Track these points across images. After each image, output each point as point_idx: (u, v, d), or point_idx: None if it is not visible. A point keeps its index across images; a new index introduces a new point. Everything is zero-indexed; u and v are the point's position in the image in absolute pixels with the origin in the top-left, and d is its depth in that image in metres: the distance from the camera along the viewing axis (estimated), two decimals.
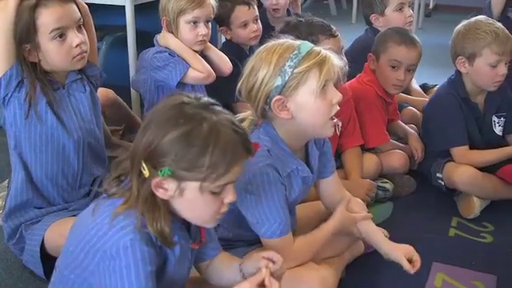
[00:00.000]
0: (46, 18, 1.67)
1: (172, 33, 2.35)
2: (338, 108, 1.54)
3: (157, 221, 1.21)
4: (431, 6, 6.35)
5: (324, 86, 1.49)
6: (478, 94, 2.33)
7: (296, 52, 1.49)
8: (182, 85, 2.34)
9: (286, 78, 1.48)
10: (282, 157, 1.56)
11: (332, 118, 1.54)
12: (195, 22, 2.32)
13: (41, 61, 1.71)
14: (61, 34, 1.69)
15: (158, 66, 2.33)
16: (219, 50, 2.97)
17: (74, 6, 1.74)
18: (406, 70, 2.34)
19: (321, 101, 1.50)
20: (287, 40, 1.54)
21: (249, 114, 1.60)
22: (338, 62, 1.52)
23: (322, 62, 1.49)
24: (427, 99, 2.70)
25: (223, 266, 1.47)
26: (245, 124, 1.56)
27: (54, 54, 1.70)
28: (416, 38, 2.40)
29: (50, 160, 1.79)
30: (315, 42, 2.12)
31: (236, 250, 1.65)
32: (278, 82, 1.48)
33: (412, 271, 1.65)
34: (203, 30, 2.33)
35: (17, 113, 1.73)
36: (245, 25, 2.69)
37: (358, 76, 2.44)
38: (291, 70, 1.47)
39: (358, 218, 1.74)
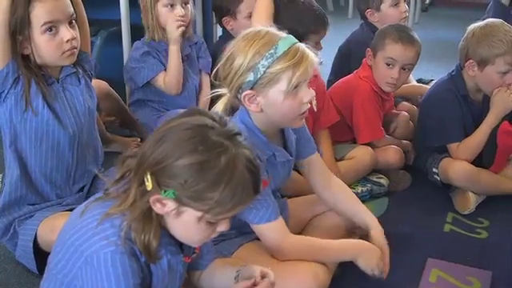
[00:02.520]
0: (39, 11, 1.66)
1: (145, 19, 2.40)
2: (309, 106, 1.55)
3: (146, 233, 1.18)
4: (428, 1, 6.32)
5: (296, 86, 1.50)
6: (477, 92, 2.32)
7: (272, 51, 1.47)
8: None
9: (258, 76, 1.48)
10: (258, 144, 1.55)
11: (302, 114, 1.55)
12: (172, 5, 2.36)
13: (33, 54, 1.70)
14: (52, 28, 1.68)
15: (132, 60, 2.42)
16: (215, 43, 2.98)
17: (67, 1, 1.73)
18: (402, 69, 2.33)
19: (291, 100, 1.51)
20: (269, 31, 1.52)
21: (226, 91, 1.58)
22: (315, 61, 1.52)
23: (296, 65, 1.48)
24: (422, 86, 2.69)
25: (217, 273, 1.45)
26: (222, 101, 1.56)
27: (44, 47, 1.69)
28: (415, 36, 2.37)
29: (45, 155, 1.78)
30: (315, 33, 2.20)
31: (228, 242, 1.65)
32: (250, 77, 1.49)
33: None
34: (180, 11, 2.36)
35: (13, 109, 1.71)
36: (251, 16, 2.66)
37: (355, 71, 2.44)
38: (264, 69, 1.47)
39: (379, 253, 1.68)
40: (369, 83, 2.34)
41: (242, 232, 1.68)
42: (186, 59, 2.46)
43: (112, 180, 1.26)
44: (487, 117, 2.24)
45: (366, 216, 1.78)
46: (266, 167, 1.57)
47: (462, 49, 2.29)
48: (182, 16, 2.37)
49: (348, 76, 2.46)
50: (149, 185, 1.16)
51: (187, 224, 1.20)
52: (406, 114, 2.60)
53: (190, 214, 1.18)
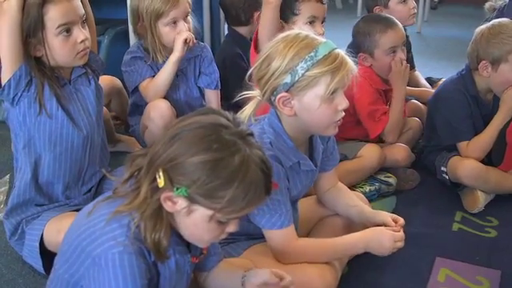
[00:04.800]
0: (54, 14, 1.66)
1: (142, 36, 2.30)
2: (343, 114, 1.53)
3: (157, 231, 1.18)
4: None
5: (333, 92, 1.48)
6: (488, 92, 2.30)
7: (312, 54, 1.46)
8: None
9: (296, 79, 1.47)
10: (284, 150, 1.55)
11: (336, 122, 1.54)
12: (174, 22, 2.26)
13: (46, 56, 1.70)
14: (67, 30, 1.69)
15: (123, 64, 2.35)
16: (222, 44, 2.96)
17: (79, 2, 1.74)
18: (401, 49, 2.34)
19: (326, 106, 1.49)
20: (308, 34, 1.51)
21: (257, 94, 1.56)
22: (353, 69, 1.50)
23: (335, 70, 1.46)
24: (432, 91, 2.67)
25: (223, 275, 1.45)
26: (252, 104, 1.55)
27: (59, 49, 1.69)
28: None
29: (59, 158, 1.78)
30: (303, 2, 2.16)
31: (237, 244, 1.65)
32: (288, 79, 1.47)
33: (397, 229, 1.66)
34: (183, 26, 2.26)
35: (26, 112, 1.72)
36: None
37: None
38: (303, 71, 1.46)
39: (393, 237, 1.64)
40: (366, 81, 2.31)
41: (250, 237, 1.67)
42: (179, 74, 2.34)
43: (121, 179, 1.25)
44: (496, 115, 2.23)
45: (373, 214, 1.76)
46: (288, 174, 1.57)
47: (471, 52, 2.27)
48: (187, 31, 2.27)
49: None
50: (161, 181, 1.16)
51: (197, 223, 1.20)
52: (418, 120, 2.59)
53: (201, 213, 1.18)
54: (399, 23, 2.37)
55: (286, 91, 1.49)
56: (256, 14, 2.58)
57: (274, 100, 1.51)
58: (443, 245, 2.01)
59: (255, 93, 1.56)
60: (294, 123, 1.55)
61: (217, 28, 3.29)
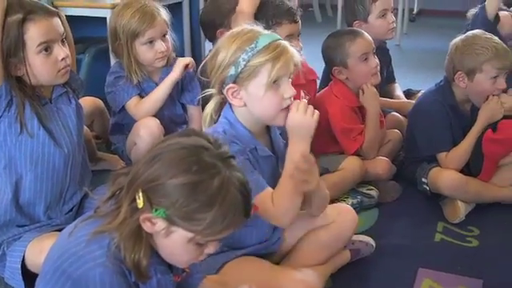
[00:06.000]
0: (34, 32, 1.66)
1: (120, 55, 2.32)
2: (291, 102, 1.58)
3: (136, 252, 1.17)
4: (415, 11, 6.37)
5: (276, 80, 1.54)
6: (466, 102, 2.34)
7: (253, 45, 1.54)
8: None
9: (239, 70, 1.54)
10: (239, 137, 1.60)
11: (285, 110, 1.58)
12: (151, 42, 2.28)
13: (27, 74, 1.70)
14: (47, 48, 1.69)
15: (107, 85, 2.35)
16: (206, 57, 2.98)
17: (59, 20, 1.75)
18: (373, 56, 2.38)
19: (272, 94, 1.56)
20: (252, 29, 1.60)
21: (215, 91, 1.65)
22: (296, 57, 1.57)
23: (275, 58, 1.53)
24: (412, 102, 2.71)
25: None
26: (212, 101, 1.65)
27: (40, 67, 1.69)
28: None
29: (40, 177, 1.78)
30: (277, 25, 2.28)
31: (219, 256, 1.65)
32: (232, 71, 1.55)
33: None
34: (161, 46, 2.28)
35: (7, 132, 1.71)
36: None
37: (329, 85, 2.46)
38: (244, 62, 1.54)
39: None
40: (340, 100, 2.36)
41: (231, 247, 1.69)
42: None
43: (103, 198, 1.25)
44: (474, 125, 2.27)
45: None
46: (252, 158, 1.60)
47: (447, 63, 2.32)
48: (164, 51, 2.29)
49: (323, 91, 2.49)
50: (140, 202, 1.16)
51: (176, 244, 1.20)
52: (399, 132, 2.63)
53: (180, 235, 1.18)
54: (365, 32, 2.42)
55: (233, 82, 1.56)
56: (218, 32, 2.62)
57: (224, 92, 1.59)
58: (426, 255, 2.02)
59: (213, 90, 1.64)
60: (246, 113, 1.61)
61: (197, 45, 3.31)
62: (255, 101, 1.57)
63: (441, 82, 2.39)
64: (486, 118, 2.24)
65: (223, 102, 1.66)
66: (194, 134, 1.23)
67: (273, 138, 1.71)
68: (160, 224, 1.17)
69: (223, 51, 1.56)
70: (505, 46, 2.27)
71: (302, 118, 1.56)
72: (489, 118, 2.24)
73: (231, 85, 1.57)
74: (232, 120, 1.61)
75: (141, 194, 1.16)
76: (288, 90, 1.56)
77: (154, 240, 1.22)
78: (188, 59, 2.31)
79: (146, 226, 1.18)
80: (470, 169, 2.30)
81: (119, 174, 1.24)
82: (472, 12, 3.05)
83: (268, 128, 1.70)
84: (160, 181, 1.15)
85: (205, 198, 1.14)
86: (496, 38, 2.28)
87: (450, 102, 2.32)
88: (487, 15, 2.88)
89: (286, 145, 1.65)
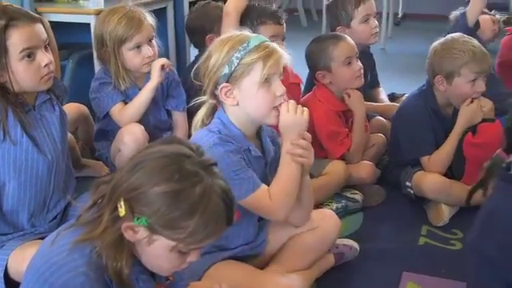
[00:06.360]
0: (17, 39, 1.65)
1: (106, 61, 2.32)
2: (283, 100, 1.62)
3: (118, 260, 1.17)
4: (400, 15, 6.42)
5: (268, 78, 1.59)
6: (448, 106, 2.36)
7: (245, 45, 1.59)
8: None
9: (233, 68, 1.59)
10: (233, 137, 1.64)
11: (276, 108, 1.62)
12: (138, 47, 2.28)
13: (10, 81, 1.69)
14: (30, 54, 1.68)
15: (92, 91, 2.35)
16: (191, 63, 2.99)
17: (42, 26, 1.74)
18: (356, 60, 2.40)
19: (263, 92, 1.60)
20: (243, 32, 1.66)
21: (207, 98, 1.69)
22: (285, 56, 1.63)
23: (267, 57, 1.59)
24: (396, 105, 2.72)
25: None
26: (204, 107, 1.70)
27: (23, 73, 1.68)
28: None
29: (23, 185, 1.76)
30: (262, 24, 2.34)
31: (206, 257, 1.66)
32: (226, 70, 1.60)
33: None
34: (148, 51, 2.29)
35: None
36: None
37: (313, 89, 2.47)
38: (238, 60, 1.59)
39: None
40: (323, 104, 2.37)
41: (218, 248, 1.70)
42: None
43: (85, 206, 1.25)
44: (454, 128, 2.29)
45: None
46: (246, 157, 1.64)
47: (428, 67, 2.35)
48: (151, 56, 2.29)
49: (307, 96, 2.50)
50: (122, 211, 1.16)
51: (158, 252, 1.19)
52: (383, 135, 2.65)
53: (162, 243, 1.17)
54: (348, 37, 2.45)
55: (227, 82, 1.61)
56: (208, 38, 2.63)
57: (218, 92, 1.63)
58: (410, 259, 2.04)
59: (205, 97, 1.69)
60: (239, 113, 1.65)
61: (182, 51, 3.31)
62: (248, 99, 1.61)
63: (423, 86, 2.41)
64: (465, 121, 2.26)
65: (215, 107, 1.70)
66: (177, 141, 1.23)
67: (263, 142, 1.74)
68: (142, 232, 1.17)
69: (216, 54, 1.62)
70: (483, 49, 2.29)
71: (294, 117, 1.62)
72: (468, 120, 2.26)
73: (224, 84, 1.61)
74: (225, 121, 1.65)
75: (123, 203, 1.15)
76: (279, 88, 1.61)
77: (137, 248, 1.21)
78: (162, 60, 2.30)
79: (128, 235, 1.17)
80: (453, 172, 2.32)
81: (101, 182, 1.24)
82: (454, 14, 3.07)
83: (259, 132, 1.73)
84: (142, 189, 1.14)
85: (187, 207, 1.13)
86: (474, 41, 2.30)
87: (432, 106, 2.34)
88: (468, 22, 2.91)
89: (278, 147, 1.70)
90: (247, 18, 2.41)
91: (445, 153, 2.29)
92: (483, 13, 3.14)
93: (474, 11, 2.91)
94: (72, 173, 1.98)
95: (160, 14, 3.09)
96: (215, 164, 1.22)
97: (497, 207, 1.50)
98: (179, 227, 1.14)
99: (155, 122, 2.43)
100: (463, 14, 2.96)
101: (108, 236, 1.17)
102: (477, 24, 2.96)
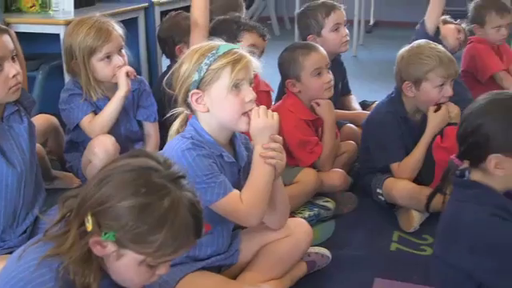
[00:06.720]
0: None
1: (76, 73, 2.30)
2: (253, 106, 1.64)
3: (85, 276, 1.16)
4: (372, 23, 6.49)
5: (236, 83, 1.61)
6: (416, 112, 2.40)
7: (214, 51, 1.63)
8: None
9: (202, 74, 1.62)
10: (205, 143, 1.65)
11: (246, 114, 1.64)
12: (108, 57, 2.27)
13: None
14: None
15: (61, 102, 2.33)
16: (163, 73, 2.98)
17: (9, 37, 1.73)
18: (327, 71, 2.41)
19: (233, 97, 1.62)
20: (212, 42, 1.70)
21: (182, 109, 1.72)
22: (254, 62, 1.65)
23: (235, 62, 1.61)
24: (366, 113, 2.75)
25: None
26: (179, 119, 1.72)
27: None
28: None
29: None
30: (248, 31, 2.39)
31: (179, 268, 1.66)
32: (196, 77, 1.63)
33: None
34: (119, 61, 2.28)
35: None
36: None
37: (283, 98, 2.49)
38: (207, 66, 1.62)
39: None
40: (293, 114, 2.38)
41: (191, 259, 1.70)
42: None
43: (52, 221, 1.24)
44: (423, 135, 2.32)
45: None
46: (219, 163, 1.65)
47: (396, 74, 2.39)
48: (121, 65, 2.28)
49: (277, 104, 2.52)
50: (89, 226, 1.15)
51: (127, 267, 1.19)
52: (354, 143, 2.67)
53: (131, 257, 1.17)
54: (320, 47, 2.46)
55: (197, 88, 1.63)
56: (177, 48, 2.65)
57: (189, 100, 1.65)
58: (381, 265, 2.05)
59: (180, 109, 1.71)
60: (210, 120, 1.67)
61: (154, 61, 3.30)
62: (218, 104, 1.63)
63: (392, 93, 2.44)
64: (434, 128, 2.30)
65: (189, 117, 1.71)
66: (144, 154, 1.23)
67: (237, 149, 1.75)
68: (110, 247, 1.16)
69: (187, 62, 1.65)
70: (449, 54, 2.34)
71: (265, 121, 1.63)
72: (437, 124, 2.30)
73: (195, 90, 1.63)
74: (198, 128, 1.67)
75: (90, 218, 1.15)
76: (249, 93, 1.63)
77: (105, 263, 1.20)
78: (125, 68, 2.28)
79: (96, 250, 1.17)
80: (423, 178, 2.34)
81: (68, 196, 1.23)
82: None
83: (232, 139, 1.74)
84: (109, 204, 1.14)
85: (155, 220, 1.13)
86: (440, 47, 2.35)
87: (401, 113, 2.38)
88: (427, 30, 2.95)
89: (251, 153, 1.70)
90: (234, 23, 2.43)
91: (414, 159, 2.32)
92: (449, 22, 3.20)
93: (431, 18, 2.96)
94: (42, 185, 1.96)
95: (131, 24, 3.09)
96: (183, 176, 1.22)
97: (455, 214, 1.53)
98: (147, 241, 1.14)
99: (126, 133, 2.42)
100: (422, 22, 3.01)
101: (76, 251, 1.16)
102: (437, 31, 3.01)
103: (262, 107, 1.65)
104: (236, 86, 1.61)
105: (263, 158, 1.64)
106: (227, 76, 1.61)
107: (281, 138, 1.68)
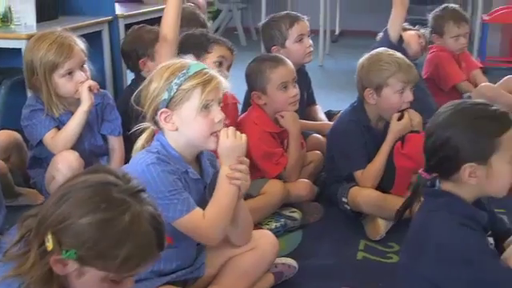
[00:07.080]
0: None
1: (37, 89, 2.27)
2: (221, 127, 1.65)
3: None
4: (337, 32, 6.55)
5: (206, 104, 1.62)
6: (379, 121, 2.43)
7: (184, 71, 1.63)
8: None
9: (172, 94, 1.62)
10: (171, 158, 1.66)
11: (215, 134, 1.64)
12: (70, 73, 2.24)
13: None
14: None
15: (23, 118, 2.31)
16: (127, 86, 2.97)
17: None
18: (293, 85, 2.42)
19: (202, 118, 1.63)
20: (183, 60, 1.70)
21: (148, 124, 1.72)
22: (224, 83, 1.67)
23: (206, 83, 1.62)
24: (331, 123, 2.77)
25: None
26: (145, 133, 1.72)
27: None
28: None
29: None
30: (216, 43, 2.38)
31: (144, 283, 1.64)
32: (165, 96, 1.62)
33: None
34: (81, 77, 2.26)
35: None
36: None
37: (249, 110, 2.49)
38: (177, 86, 1.62)
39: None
40: (259, 126, 2.39)
41: (156, 274, 1.69)
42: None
43: (12, 241, 1.21)
44: (384, 143, 2.36)
45: None
46: (183, 179, 1.66)
47: (357, 82, 2.42)
48: (83, 81, 2.25)
49: (242, 116, 2.53)
50: (49, 245, 1.14)
51: (90, 284, 1.17)
52: (320, 153, 2.68)
53: (93, 274, 1.16)
54: (288, 61, 2.47)
55: (166, 107, 1.63)
56: (141, 62, 2.68)
57: (158, 118, 1.65)
58: (348, 274, 2.07)
59: (146, 124, 1.71)
60: (178, 138, 1.67)
61: (119, 75, 3.29)
62: (187, 124, 1.64)
63: (354, 102, 2.47)
64: (395, 134, 2.34)
65: (156, 132, 1.70)
66: (102, 170, 1.22)
67: (202, 165, 1.75)
68: (71, 265, 1.15)
69: (156, 80, 1.64)
70: (408, 61, 2.39)
71: (233, 142, 1.64)
72: (397, 131, 2.34)
73: (164, 109, 1.63)
74: (165, 143, 1.67)
75: (50, 237, 1.13)
76: (218, 114, 1.64)
77: (68, 281, 1.19)
78: (87, 82, 2.25)
79: (57, 268, 1.15)
80: (384, 184, 2.37)
81: (27, 215, 1.21)
82: (381, 34, 3.16)
83: (198, 156, 1.74)
84: (69, 221, 1.13)
85: (116, 235, 1.12)
86: (398, 54, 2.41)
87: (364, 122, 2.41)
88: (390, 38, 3.00)
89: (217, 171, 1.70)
90: (202, 36, 2.43)
91: (376, 166, 2.35)
92: (408, 29, 3.26)
93: (394, 26, 3.01)
94: (2, 201, 1.92)
95: (95, 37, 3.07)
96: (143, 190, 1.21)
97: (424, 224, 1.54)
98: (109, 257, 1.13)
99: (91, 148, 2.40)
100: (385, 31, 3.05)
101: (37, 271, 1.15)
102: (400, 39, 3.06)
103: (231, 128, 1.66)
104: (206, 107, 1.62)
105: (229, 179, 1.64)
106: (197, 97, 1.61)
107: (247, 160, 1.69)
